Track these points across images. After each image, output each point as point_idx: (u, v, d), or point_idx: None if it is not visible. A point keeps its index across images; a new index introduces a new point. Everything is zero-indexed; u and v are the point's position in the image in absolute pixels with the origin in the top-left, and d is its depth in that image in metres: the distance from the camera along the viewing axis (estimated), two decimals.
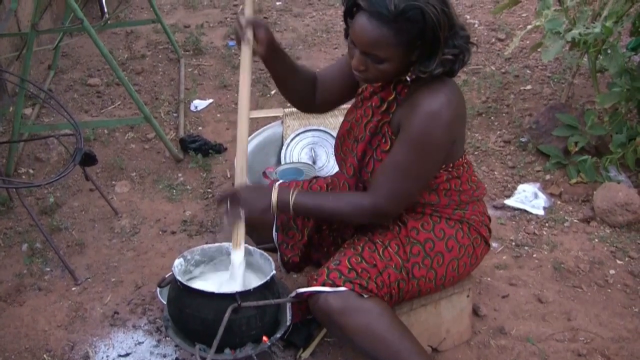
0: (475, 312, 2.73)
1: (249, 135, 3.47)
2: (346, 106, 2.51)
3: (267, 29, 2.27)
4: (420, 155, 2.13)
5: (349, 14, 2.11)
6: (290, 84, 2.45)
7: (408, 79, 2.15)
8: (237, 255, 2.23)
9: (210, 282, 2.31)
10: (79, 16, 3.44)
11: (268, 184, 2.27)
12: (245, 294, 2.10)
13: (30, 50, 3.54)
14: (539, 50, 3.89)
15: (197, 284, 2.24)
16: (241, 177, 2.27)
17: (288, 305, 2.26)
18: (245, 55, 2.28)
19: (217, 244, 2.42)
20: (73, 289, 2.95)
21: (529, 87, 4.45)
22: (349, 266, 2.18)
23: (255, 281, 2.25)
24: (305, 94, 2.48)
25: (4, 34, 4.04)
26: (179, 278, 2.16)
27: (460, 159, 2.30)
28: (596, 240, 3.17)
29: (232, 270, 2.24)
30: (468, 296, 2.54)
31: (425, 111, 2.09)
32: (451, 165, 2.27)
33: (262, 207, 2.24)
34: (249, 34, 2.24)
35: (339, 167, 2.47)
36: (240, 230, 2.23)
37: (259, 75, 4.77)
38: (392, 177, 2.16)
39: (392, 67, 2.08)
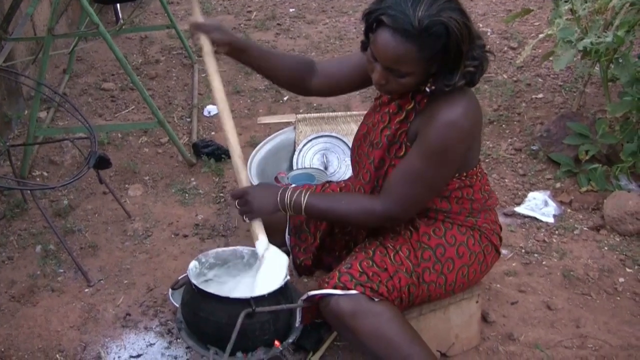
0: (484, 318, 2.74)
1: (262, 141, 3.52)
2: (359, 113, 2.53)
3: (222, 30, 2.31)
4: (436, 164, 2.13)
5: (370, 29, 2.12)
6: (271, 73, 2.50)
7: (427, 89, 2.13)
8: (260, 245, 2.26)
9: (228, 287, 2.31)
10: (95, 21, 3.48)
11: (279, 185, 2.29)
12: (259, 299, 2.10)
13: (47, 55, 3.58)
14: (550, 59, 3.90)
15: (213, 287, 2.24)
16: (242, 180, 2.32)
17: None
18: (206, 61, 2.33)
19: (231, 248, 2.40)
20: (86, 290, 2.98)
21: (540, 95, 4.46)
22: (360, 270, 2.18)
23: (269, 277, 2.24)
24: (293, 79, 2.51)
25: (20, 38, 4.08)
26: (193, 281, 2.15)
27: (475, 168, 2.30)
28: (606, 248, 3.17)
29: (259, 260, 2.26)
30: (477, 302, 2.55)
31: (444, 121, 2.08)
32: (465, 174, 2.27)
33: (270, 207, 2.28)
34: (202, 40, 2.30)
35: (353, 170, 2.48)
36: (256, 224, 2.28)
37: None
38: (405, 184, 2.15)
39: (413, 80, 2.08)
